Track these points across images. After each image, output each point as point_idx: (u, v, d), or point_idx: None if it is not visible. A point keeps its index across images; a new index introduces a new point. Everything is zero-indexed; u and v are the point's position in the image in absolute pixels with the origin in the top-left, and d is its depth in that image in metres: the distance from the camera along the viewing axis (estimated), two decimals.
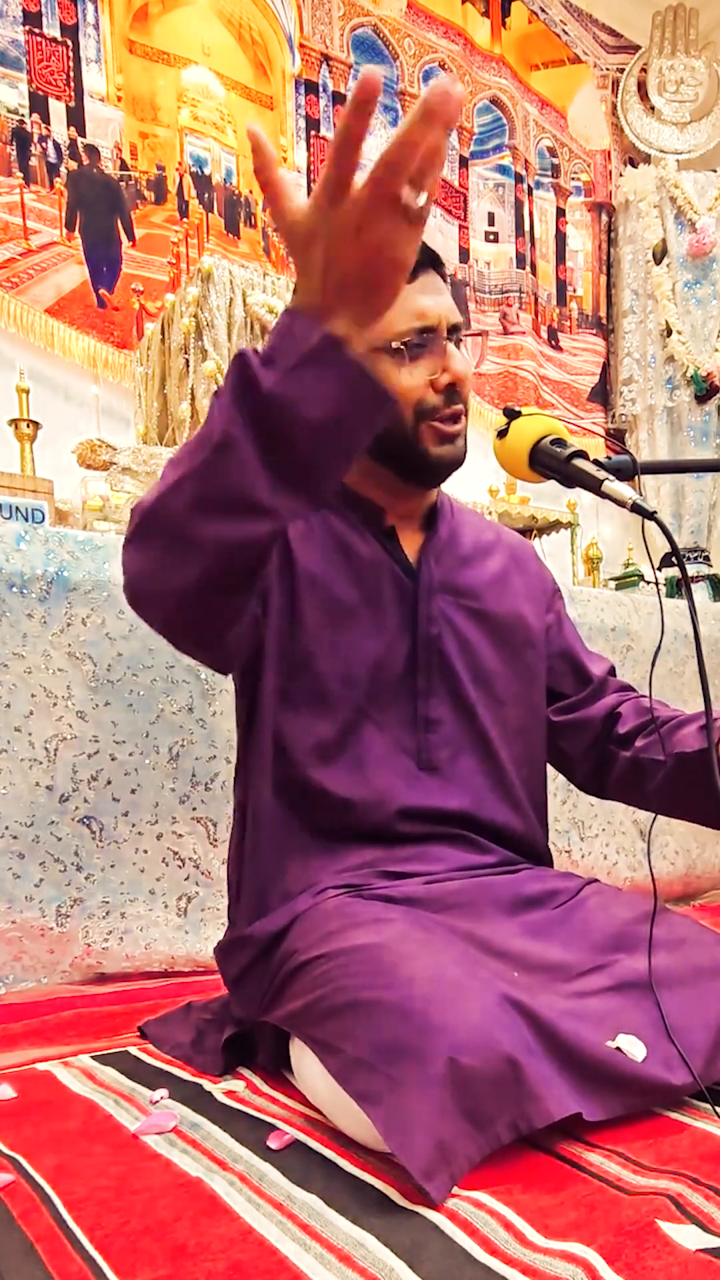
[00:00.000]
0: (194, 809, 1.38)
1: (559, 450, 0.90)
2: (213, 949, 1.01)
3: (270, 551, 0.78)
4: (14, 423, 2.33)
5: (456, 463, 0.96)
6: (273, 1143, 0.72)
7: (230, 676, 0.99)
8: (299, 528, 0.96)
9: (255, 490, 0.67)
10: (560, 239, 4.35)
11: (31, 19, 2.91)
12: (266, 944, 0.89)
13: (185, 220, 3.26)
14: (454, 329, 0.93)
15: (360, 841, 0.93)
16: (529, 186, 4.16)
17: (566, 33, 4.26)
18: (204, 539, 0.70)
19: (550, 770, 1.11)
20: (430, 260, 0.94)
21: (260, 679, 0.94)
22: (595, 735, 1.08)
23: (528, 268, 4.14)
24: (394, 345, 0.90)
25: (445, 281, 0.96)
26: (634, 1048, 0.72)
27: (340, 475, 0.71)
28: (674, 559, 0.81)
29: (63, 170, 2.98)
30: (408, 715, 0.96)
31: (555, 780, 1.15)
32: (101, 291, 3.05)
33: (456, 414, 0.94)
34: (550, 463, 0.90)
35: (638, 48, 4.40)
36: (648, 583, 3.07)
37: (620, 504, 0.83)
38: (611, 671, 1.14)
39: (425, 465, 0.95)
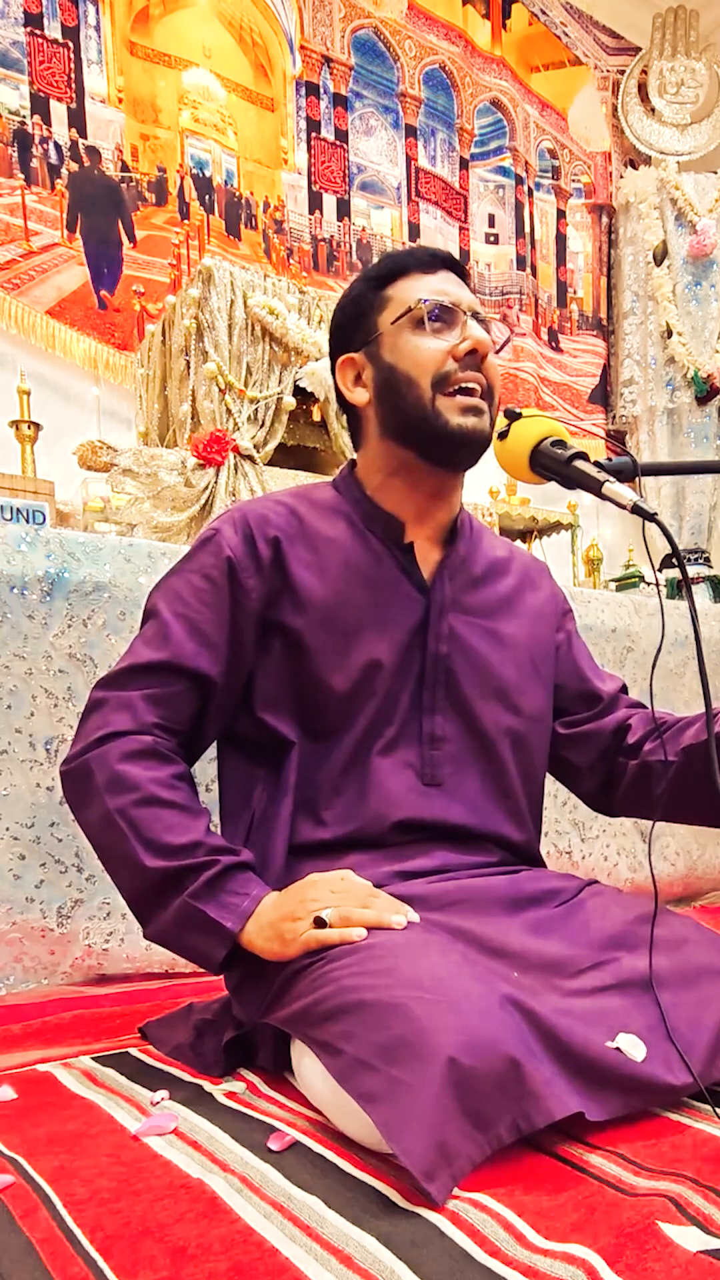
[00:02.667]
0: None
1: (559, 452, 0.90)
2: None
3: None
4: (15, 424, 2.34)
5: (479, 439, 0.95)
6: (273, 1144, 0.72)
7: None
8: (305, 557, 0.96)
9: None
10: (561, 240, 4.36)
11: (33, 20, 2.91)
12: None
13: (186, 222, 3.27)
14: (476, 315, 0.96)
15: (356, 849, 0.94)
16: (529, 188, 4.17)
17: (567, 34, 4.27)
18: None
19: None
20: (446, 261, 0.99)
21: (252, 701, 0.96)
22: (605, 747, 1.07)
23: (528, 269, 4.15)
24: (414, 310, 0.93)
25: (465, 281, 1.00)
26: (634, 1048, 0.72)
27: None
28: (674, 560, 0.81)
29: (64, 172, 2.98)
30: (414, 731, 0.97)
31: (556, 781, 1.15)
32: (102, 293, 3.06)
33: (475, 382, 0.94)
34: (551, 464, 0.90)
35: (638, 49, 4.41)
36: (648, 584, 3.08)
37: (621, 506, 0.83)
38: (623, 690, 1.13)
39: (444, 437, 0.93)
